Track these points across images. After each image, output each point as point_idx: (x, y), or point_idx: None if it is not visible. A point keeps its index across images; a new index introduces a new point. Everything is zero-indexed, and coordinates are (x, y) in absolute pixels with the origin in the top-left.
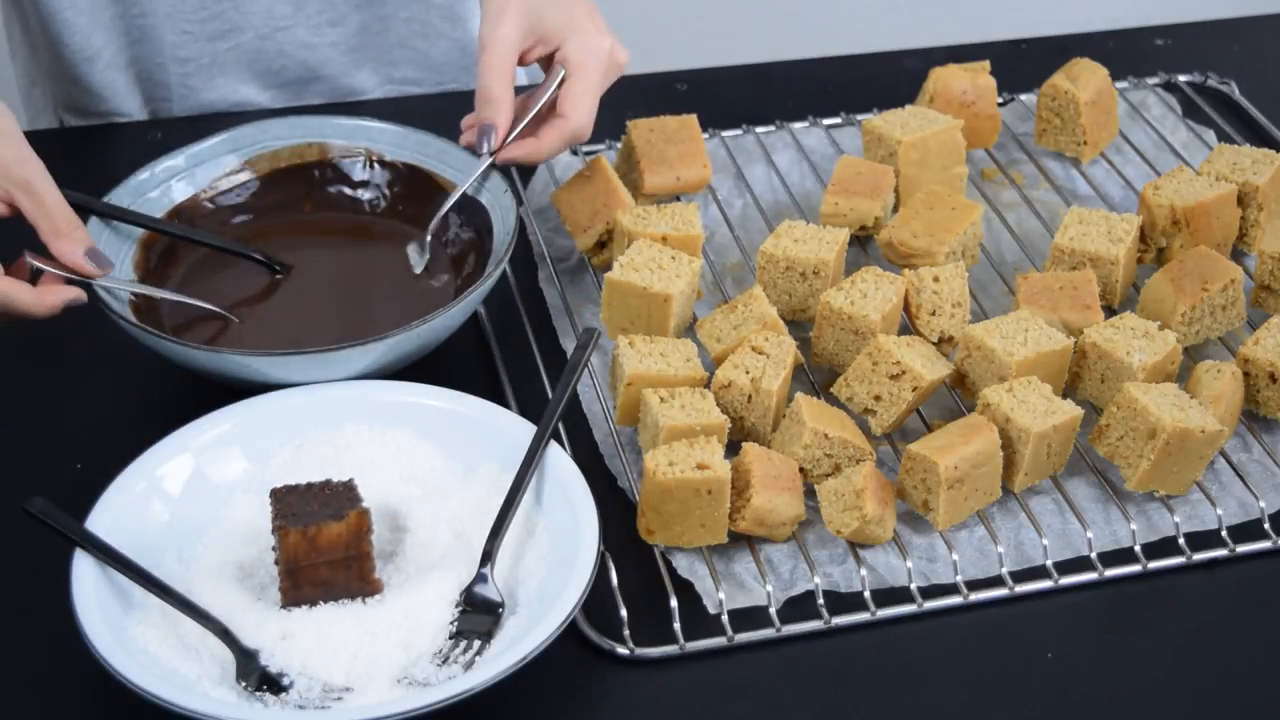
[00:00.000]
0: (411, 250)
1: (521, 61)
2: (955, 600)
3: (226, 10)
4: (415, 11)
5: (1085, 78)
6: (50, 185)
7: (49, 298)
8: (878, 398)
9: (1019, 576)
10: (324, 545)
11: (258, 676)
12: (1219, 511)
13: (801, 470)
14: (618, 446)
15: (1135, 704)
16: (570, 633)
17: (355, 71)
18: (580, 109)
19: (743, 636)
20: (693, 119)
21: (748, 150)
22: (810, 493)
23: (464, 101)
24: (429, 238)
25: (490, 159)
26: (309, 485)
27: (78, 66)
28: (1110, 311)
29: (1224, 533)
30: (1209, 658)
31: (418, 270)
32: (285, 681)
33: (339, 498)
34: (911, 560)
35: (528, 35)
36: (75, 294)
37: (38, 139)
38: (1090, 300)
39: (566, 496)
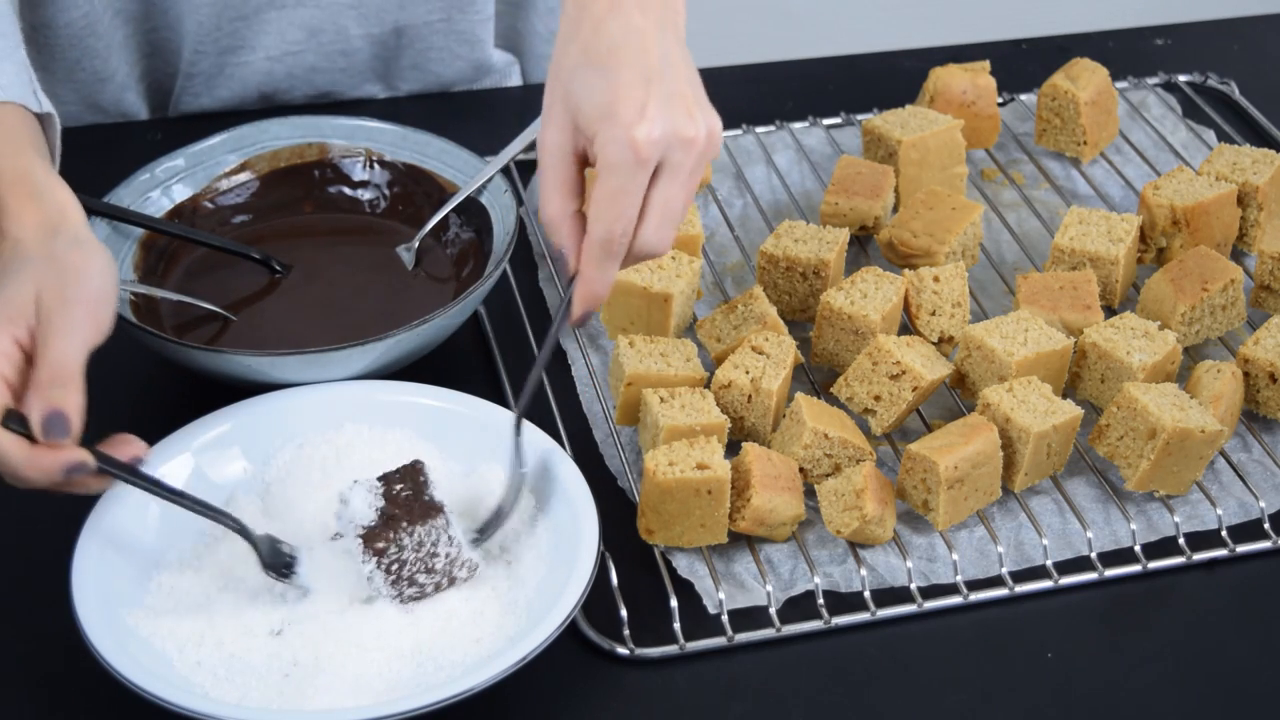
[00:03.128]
0: (400, 254)
1: (590, 163)
2: (955, 600)
3: (239, 28)
4: (433, 42)
5: (1085, 78)
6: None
7: (44, 460)
8: (878, 398)
9: (1019, 576)
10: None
11: (283, 563)
12: (1219, 511)
13: (801, 470)
14: (618, 446)
15: (1135, 704)
16: (570, 633)
17: (361, 86)
18: (598, 217)
19: (743, 636)
20: None
21: (748, 150)
22: (810, 493)
23: (464, 102)
24: (416, 244)
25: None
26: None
27: (89, 86)
28: (1110, 311)
29: (1224, 533)
30: (1209, 657)
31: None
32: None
33: (412, 500)
34: (911, 560)
35: (576, 134)
36: (79, 457)
37: None
38: (1090, 300)
39: (566, 496)
